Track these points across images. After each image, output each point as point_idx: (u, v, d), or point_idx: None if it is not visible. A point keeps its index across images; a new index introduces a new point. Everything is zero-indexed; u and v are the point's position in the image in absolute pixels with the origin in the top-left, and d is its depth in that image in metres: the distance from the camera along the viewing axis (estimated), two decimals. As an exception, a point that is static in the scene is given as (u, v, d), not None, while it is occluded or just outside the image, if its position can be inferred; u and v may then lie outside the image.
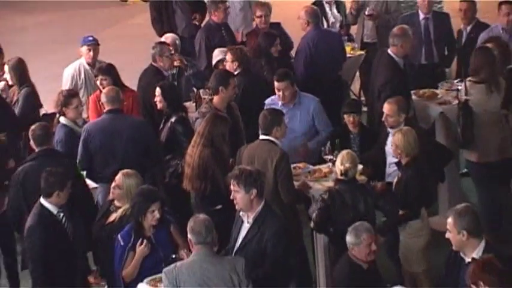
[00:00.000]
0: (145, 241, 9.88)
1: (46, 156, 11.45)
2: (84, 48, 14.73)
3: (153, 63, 14.20)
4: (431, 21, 15.47)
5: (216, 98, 12.52)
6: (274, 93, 12.93)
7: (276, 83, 12.81)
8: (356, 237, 9.47)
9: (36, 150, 11.54)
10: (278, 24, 15.77)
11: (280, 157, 11.22)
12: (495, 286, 8.17)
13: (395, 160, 11.40)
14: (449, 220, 8.92)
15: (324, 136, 12.73)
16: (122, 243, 9.99)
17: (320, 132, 12.81)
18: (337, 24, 16.58)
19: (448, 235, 8.99)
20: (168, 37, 15.14)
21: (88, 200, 11.79)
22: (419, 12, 15.54)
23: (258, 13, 15.50)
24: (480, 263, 8.38)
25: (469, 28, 14.97)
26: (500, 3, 14.08)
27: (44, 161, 11.28)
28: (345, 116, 12.51)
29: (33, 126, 11.77)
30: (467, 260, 8.82)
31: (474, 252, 8.86)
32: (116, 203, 10.57)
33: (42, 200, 10.43)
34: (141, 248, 9.88)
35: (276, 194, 11.13)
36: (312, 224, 11.11)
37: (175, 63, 14.66)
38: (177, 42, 15.02)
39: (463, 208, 9.02)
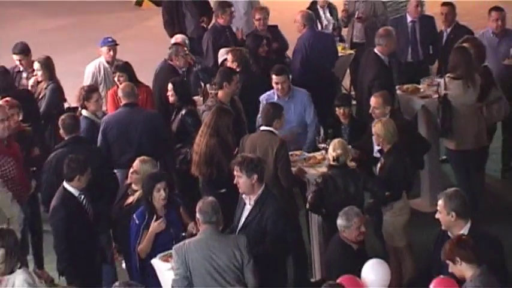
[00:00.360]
0: (161, 218, 9.93)
1: (75, 143, 11.51)
2: (104, 48, 14.66)
3: (168, 62, 14.20)
4: (418, 24, 15.47)
5: (220, 93, 12.52)
6: (269, 89, 12.98)
7: (274, 77, 12.82)
8: (347, 221, 9.50)
9: (66, 138, 11.55)
10: (275, 27, 15.72)
11: (280, 145, 11.26)
12: (470, 261, 8.22)
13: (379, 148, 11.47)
14: (440, 202, 8.99)
15: (314, 128, 12.79)
16: (137, 222, 10.02)
17: (308, 122, 12.82)
18: (330, 27, 16.54)
19: (438, 215, 9.04)
20: (178, 37, 15.12)
21: (114, 182, 11.81)
22: (407, 15, 15.57)
23: (257, 16, 15.47)
24: (455, 241, 8.44)
25: (449, 30, 14.94)
26: (490, 10, 14.09)
27: (73, 147, 11.36)
28: (337, 108, 12.51)
29: (62, 116, 11.86)
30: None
31: (461, 232, 8.86)
32: (133, 186, 10.58)
33: (65, 184, 10.47)
34: (156, 223, 9.90)
35: (276, 179, 11.14)
36: (307, 205, 11.14)
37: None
38: (186, 42, 14.99)
39: (452, 192, 9.08)
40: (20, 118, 12.39)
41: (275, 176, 11.15)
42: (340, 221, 9.55)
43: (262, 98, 12.92)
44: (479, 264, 8.23)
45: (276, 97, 12.83)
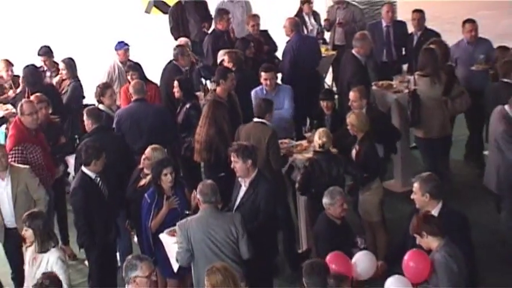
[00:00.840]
0: (173, 197, 9.97)
1: (100, 132, 11.50)
2: (119, 51, 14.65)
3: (173, 62, 14.11)
4: (392, 28, 15.44)
5: (218, 89, 12.47)
6: (256, 86, 13.01)
7: (263, 74, 12.86)
8: (331, 199, 9.48)
9: (92, 127, 11.50)
10: (266, 31, 15.68)
11: (271, 135, 11.29)
12: (435, 234, 8.25)
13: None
14: (416, 185, 8.99)
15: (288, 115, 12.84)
16: (148, 201, 10.03)
17: (285, 111, 12.81)
18: (315, 31, 16.52)
19: (413, 196, 9.04)
20: (182, 40, 15.11)
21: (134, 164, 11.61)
22: (383, 21, 15.54)
23: (251, 23, 15.47)
24: (421, 217, 8.45)
25: (419, 33, 14.88)
26: (464, 22, 14.00)
27: (99, 135, 11.38)
28: (321, 101, 12.46)
29: (89, 108, 11.99)
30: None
31: (433, 211, 8.87)
32: (145, 170, 10.54)
33: (83, 168, 10.45)
34: (170, 201, 9.94)
35: (268, 163, 11.14)
36: (297, 186, 11.16)
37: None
38: (189, 44, 14.98)
39: (427, 176, 9.10)
40: (50, 111, 12.42)
41: (267, 161, 11.15)
42: (325, 200, 9.53)
43: (253, 92, 12.91)
44: (442, 236, 8.27)
45: (264, 91, 12.83)
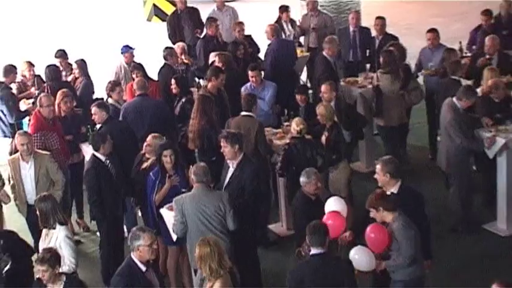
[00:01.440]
0: (174, 175, 9.91)
1: (110, 121, 11.51)
2: (125, 53, 14.56)
3: (166, 63, 14.14)
4: (358, 33, 15.37)
5: (209, 85, 12.41)
6: (246, 83, 12.95)
7: (250, 72, 12.84)
8: (308, 178, 9.40)
9: (104, 118, 11.47)
10: (250, 36, 15.64)
11: (259, 126, 11.31)
12: (389, 209, 8.28)
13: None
14: (378, 166, 8.97)
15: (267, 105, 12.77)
16: (153, 178, 9.99)
17: (265, 100, 12.75)
18: (291, 36, 16.47)
19: (376, 176, 9.01)
20: (179, 45, 14.98)
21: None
22: (350, 26, 15.51)
23: (237, 29, 15.39)
24: (377, 194, 8.45)
25: (380, 37, 14.84)
26: (427, 32, 13.93)
27: (111, 124, 11.44)
28: (296, 95, 12.45)
29: (99, 102, 12.02)
30: (388, 193, 8.76)
31: (393, 188, 8.87)
32: (147, 155, 10.48)
33: (94, 152, 10.43)
34: (172, 179, 9.85)
35: (256, 150, 11.14)
36: (277, 167, 11.12)
37: (185, 61, 14.51)
38: (185, 48, 14.88)
39: (388, 158, 9.11)
40: (74, 104, 12.47)
41: (255, 148, 11.15)
42: (302, 179, 9.46)
43: (243, 88, 12.85)
44: (395, 210, 8.28)
45: (252, 87, 12.80)
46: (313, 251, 7.87)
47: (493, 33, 14.11)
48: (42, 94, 12.12)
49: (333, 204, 8.92)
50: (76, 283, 8.17)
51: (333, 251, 8.51)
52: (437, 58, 13.58)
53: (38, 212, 8.96)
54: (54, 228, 8.81)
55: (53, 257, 7.86)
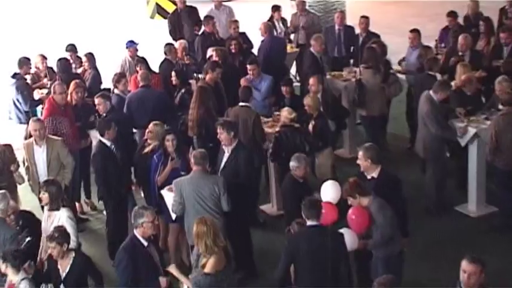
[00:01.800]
0: (175, 159, 9.92)
1: (112, 111, 11.55)
2: (130, 48, 14.52)
3: (166, 56, 14.14)
4: (343, 31, 15.34)
5: (207, 77, 12.37)
6: (240, 76, 12.90)
7: (248, 65, 12.85)
8: (298, 162, 9.36)
9: (108, 107, 11.55)
10: (244, 33, 15.57)
11: (256, 116, 11.31)
12: (364, 194, 8.29)
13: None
14: (360, 152, 8.97)
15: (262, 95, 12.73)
16: (156, 161, 10.03)
17: (261, 91, 12.72)
18: (282, 33, 16.46)
19: (358, 161, 9.00)
20: (181, 42, 14.83)
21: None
22: (336, 25, 15.46)
23: (233, 26, 15.31)
24: (350, 184, 8.41)
25: (364, 35, 14.81)
26: (409, 31, 13.93)
27: (114, 113, 11.49)
28: (282, 87, 12.41)
29: (104, 93, 11.99)
30: (369, 177, 8.81)
31: (373, 173, 8.88)
32: (148, 141, 10.46)
33: (100, 138, 10.42)
34: (173, 162, 9.87)
35: (253, 137, 11.12)
36: (269, 152, 11.12)
37: (187, 62, 14.38)
38: (186, 45, 14.76)
39: (369, 145, 9.10)
40: (86, 95, 12.45)
41: (253, 136, 11.12)
42: (292, 163, 9.42)
43: (243, 79, 12.79)
44: (370, 194, 8.30)
45: (251, 78, 12.79)
46: (309, 222, 7.88)
47: (463, 32, 14.15)
48: (56, 82, 12.15)
49: (330, 187, 8.80)
50: (83, 259, 8.15)
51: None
52: (413, 57, 13.55)
53: (45, 195, 8.87)
54: (58, 210, 8.76)
55: (60, 236, 7.85)
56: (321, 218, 7.91)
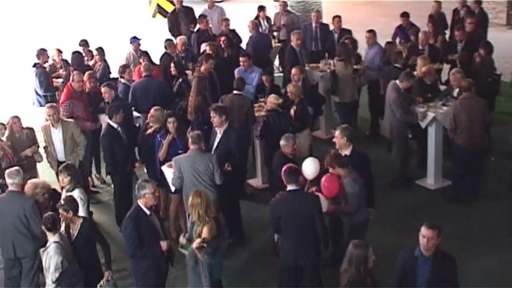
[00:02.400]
0: (171, 136, 9.90)
1: (117, 99, 11.48)
2: (134, 43, 14.44)
3: (166, 50, 14.09)
4: (319, 28, 15.27)
5: (202, 68, 12.29)
6: (232, 68, 12.84)
7: (241, 58, 12.79)
8: (287, 141, 9.27)
9: (113, 96, 11.50)
10: (234, 30, 15.52)
11: (250, 103, 11.29)
12: (342, 166, 8.32)
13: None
14: (337, 132, 8.97)
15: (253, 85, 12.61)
16: (159, 139, 10.01)
17: (251, 86, 12.58)
18: (267, 30, 16.41)
19: (334, 139, 9.02)
20: (181, 38, 14.66)
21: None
22: (313, 23, 15.36)
23: (224, 24, 15.29)
24: (331, 156, 8.43)
25: (337, 32, 14.79)
26: (366, 31, 13.64)
27: (119, 100, 11.42)
28: (263, 76, 12.34)
29: (109, 83, 11.91)
30: (343, 154, 8.80)
31: (346, 151, 8.88)
32: (150, 123, 10.39)
33: (108, 121, 10.35)
34: (168, 138, 9.89)
35: (245, 122, 11.11)
36: (257, 132, 11.09)
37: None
38: (186, 40, 14.61)
39: (345, 126, 9.14)
40: (98, 84, 12.34)
41: (246, 120, 11.09)
42: (282, 141, 9.30)
43: (236, 70, 12.75)
44: (346, 167, 8.32)
45: (242, 70, 12.72)
46: (289, 187, 7.91)
47: (436, 28, 14.29)
48: (75, 72, 12.11)
49: (310, 163, 8.74)
50: (89, 225, 8.09)
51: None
52: (369, 55, 13.39)
53: (67, 178, 8.67)
54: (72, 191, 8.63)
55: (66, 204, 7.78)
56: (298, 183, 7.96)
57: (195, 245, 7.56)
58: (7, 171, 8.71)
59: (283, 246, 8.04)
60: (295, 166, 8.24)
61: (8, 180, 8.54)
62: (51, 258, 7.42)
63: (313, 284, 8.03)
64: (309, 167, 8.53)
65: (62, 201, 7.87)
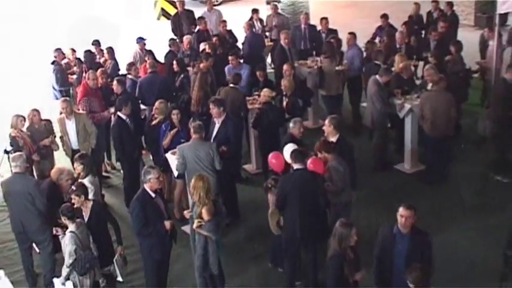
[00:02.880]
0: (176, 128, 9.87)
1: (124, 93, 11.37)
2: (140, 43, 14.37)
3: (170, 48, 14.02)
4: (307, 29, 15.13)
5: (202, 64, 12.17)
6: (223, 65, 12.80)
7: (230, 56, 12.68)
8: (294, 124, 9.28)
9: (121, 90, 11.43)
10: (230, 30, 15.40)
11: (243, 96, 11.24)
12: (328, 151, 8.30)
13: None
14: (326, 121, 8.99)
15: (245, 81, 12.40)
16: (164, 129, 9.97)
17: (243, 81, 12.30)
18: (260, 30, 16.31)
19: (324, 127, 9.02)
20: (187, 37, 14.56)
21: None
22: (302, 24, 15.23)
23: (221, 25, 15.24)
24: (320, 142, 8.43)
25: (324, 32, 14.69)
26: (348, 33, 13.46)
27: (126, 94, 11.35)
28: (257, 72, 12.26)
29: (119, 78, 11.86)
30: (330, 140, 8.77)
31: (333, 138, 8.86)
32: (155, 115, 10.35)
33: (118, 113, 10.29)
34: (173, 131, 9.84)
35: (239, 112, 11.07)
36: (251, 122, 10.98)
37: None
38: (191, 39, 14.55)
39: (334, 116, 9.16)
40: (109, 80, 12.28)
41: (239, 110, 11.04)
42: (291, 124, 9.31)
43: (227, 68, 12.66)
44: (333, 152, 8.30)
45: (232, 68, 12.58)
46: (296, 166, 7.91)
47: (409, 28, 14.22)
48: (90, 71, 12.02)
49: (290, 149, 8.71)
50: (100, 207, 8.05)
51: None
52: (349, 55, 13.20)
53: (80, 166, 8.62)
54: (84, 178, 8.58)
55: (77, 189, 7.76)
56: (305, 162, 7.95)
57: (195, 224, 7.55)
58: (11, 155, 8.77)
59: (287, 219, 7.96)
60: (303, 149, 8.29)
61: (12, 164, 8.55)
62: (66, 246, 7.44)
63: (316, 254, 8.00)
64: (289, 152, 8.55)
65: (74, 187, 7.84)
